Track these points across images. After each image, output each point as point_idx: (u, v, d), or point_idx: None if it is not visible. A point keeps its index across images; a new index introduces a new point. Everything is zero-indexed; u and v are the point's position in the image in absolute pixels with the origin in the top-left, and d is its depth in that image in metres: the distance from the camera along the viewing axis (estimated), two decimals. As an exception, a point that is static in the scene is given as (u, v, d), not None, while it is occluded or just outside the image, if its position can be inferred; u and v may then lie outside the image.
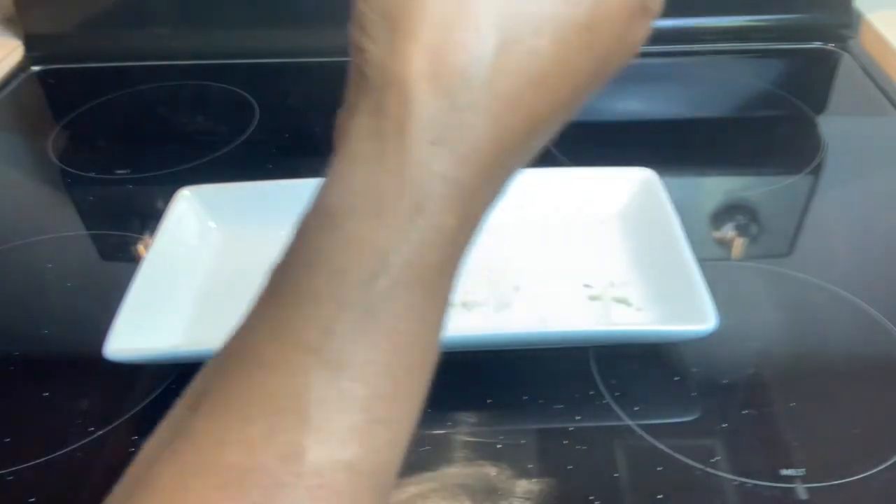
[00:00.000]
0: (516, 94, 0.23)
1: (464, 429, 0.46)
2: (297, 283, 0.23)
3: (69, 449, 0.46)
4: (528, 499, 0.42)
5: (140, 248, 0.62)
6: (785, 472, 0.43)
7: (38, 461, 0.45)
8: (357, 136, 0.23)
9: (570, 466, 0.44)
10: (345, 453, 0.21)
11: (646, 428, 0.46)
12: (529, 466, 0.44)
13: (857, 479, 0.43)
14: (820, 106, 0.79)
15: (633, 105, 0.82)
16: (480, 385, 0.49)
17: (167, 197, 0.59)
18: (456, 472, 0.44)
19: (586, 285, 0.54)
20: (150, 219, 0.60)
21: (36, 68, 0.87)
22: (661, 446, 0.45)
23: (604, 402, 0.48)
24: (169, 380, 0.50)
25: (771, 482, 0.43)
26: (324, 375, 0.21)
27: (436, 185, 0.22)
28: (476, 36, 0.22)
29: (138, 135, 0.78)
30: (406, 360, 0.23)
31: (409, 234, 0.22)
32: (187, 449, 0.22)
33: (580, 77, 0.24)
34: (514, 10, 0.22)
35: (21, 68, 0.87)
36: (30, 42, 0.88)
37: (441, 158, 0.22)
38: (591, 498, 0.42)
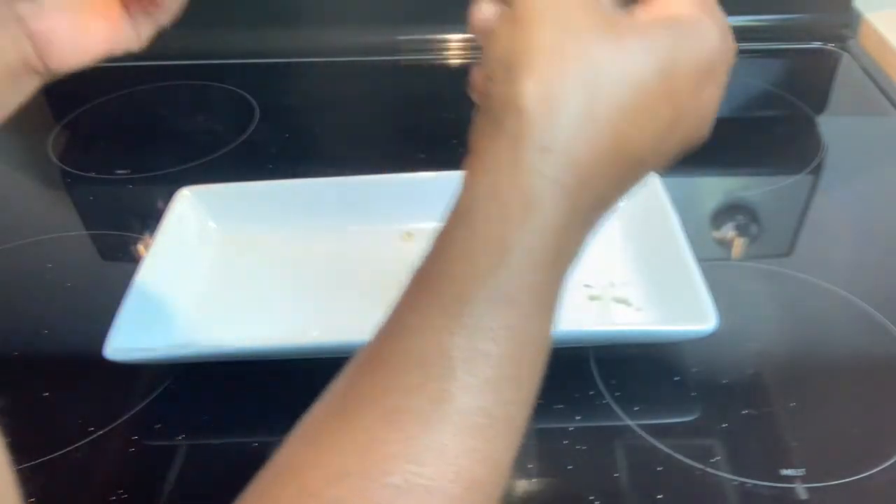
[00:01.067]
0: (608, 121, 0.28)
1: (464, 429, 0.46)
2: (439, 268, 0.28)
3: (69, 449, 0.46)
4: (528, 499, 0.42)
5: (140, 248, 0.62)
6: (785, 472, 0.43)
7: (38, 461, 0.45)
8: (481, 152, 0.28)
9: (570, 466, 0.44)
10: (482, 401, 0.26)
11: (646, 428, 0.46)
12: (529, 466, 0.44)
13: (857, 479, 0.43)
14: (820, 106, 0.79)
15: (633, 105, 0.82)
16: (480, 385, 0.49)
17: (167, 197, 0.59)
18: (456, 472, 0.44)
19: (586, 285, 0.54)
20: (150, 219, 0.60)
21: (36, 68, 0.87)
22: (661, 446, 0.45)
23: (604, 402, 0.48)
24: (169, 380, 0.50)
25: (771, 482, 0.43)
26: (464, 336, 0.27)
27: (545, 186, 0.27)
28: (576, 72, 0.28)
29: (138, 135, 0.78)
30: (527, 328, 0.28)
31: (525, 226, 0.27)
32: (355, 397, 0.27)
33: (660, 119, 0.29)
34: (602, 65, 0.28)
35: (21, 68, 0.87)
36: (30, 42, 0.88)
37: (549, 163, 0.27)
38: (591, 498, 0.42)
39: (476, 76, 0.31)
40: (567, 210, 0.27)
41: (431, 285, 0.28)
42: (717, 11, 0.32)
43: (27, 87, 0.39)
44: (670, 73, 0.29)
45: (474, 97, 0.30)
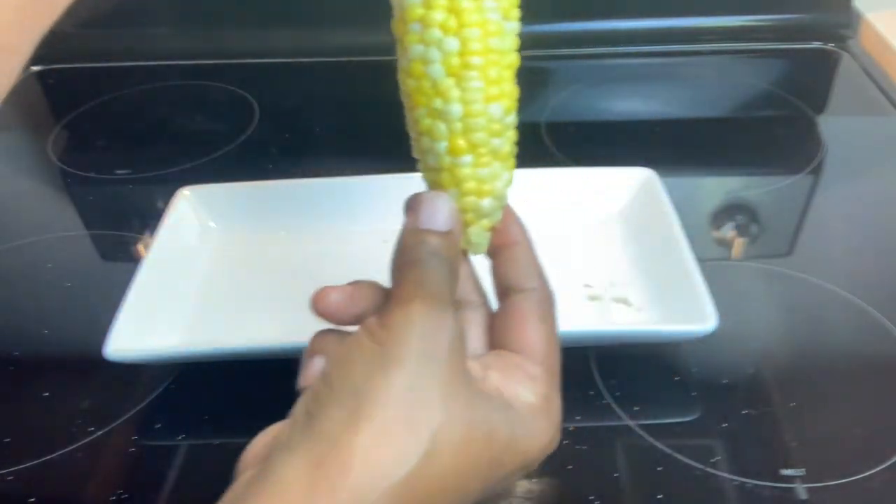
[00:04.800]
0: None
1: (464, 429, 0.46)
2: None
3: (69, 449, 0.46)
4: (528, 499, 0.42)
5: (140, 248, 0.62)
6: (785, 472, 0.43)
7: (38, 461, 0.45)
8: (287, 470, 0.27)
9: (570, 466, 0.44)
10: None
11: (646, 428, 0.46)
12: (529, 466, 0.44)
13: (857, 479, 0.43)
14: (820, 106, 0.79)
15: (633, 105, 0.82)
16: (480, 385, 0.49)
17: (167, 197, 0.59)
18: (456, 472, 0.44)
19: (586, 285, 0.54)
20: (150, 219, 0.60)
21: (36, 68, 0.87)
22: (661, 446, 0.45)
23: (604, 402, 0.48)
24: (169, 380, 0.50)
25: (771, 482, 0.43)
26: None
27: None
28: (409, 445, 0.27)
29: (138, 135, 0.78)
30: None
31: None
32: None
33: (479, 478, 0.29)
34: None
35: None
36: (30, 42, 0.88)
37: None
38: (591, 498, 0.42)
39: (310, 374, 0.32)
40: None
41: None
42: (558, 409, 0.33)
43: None
44: (498, 462, 0.30)
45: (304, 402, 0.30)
